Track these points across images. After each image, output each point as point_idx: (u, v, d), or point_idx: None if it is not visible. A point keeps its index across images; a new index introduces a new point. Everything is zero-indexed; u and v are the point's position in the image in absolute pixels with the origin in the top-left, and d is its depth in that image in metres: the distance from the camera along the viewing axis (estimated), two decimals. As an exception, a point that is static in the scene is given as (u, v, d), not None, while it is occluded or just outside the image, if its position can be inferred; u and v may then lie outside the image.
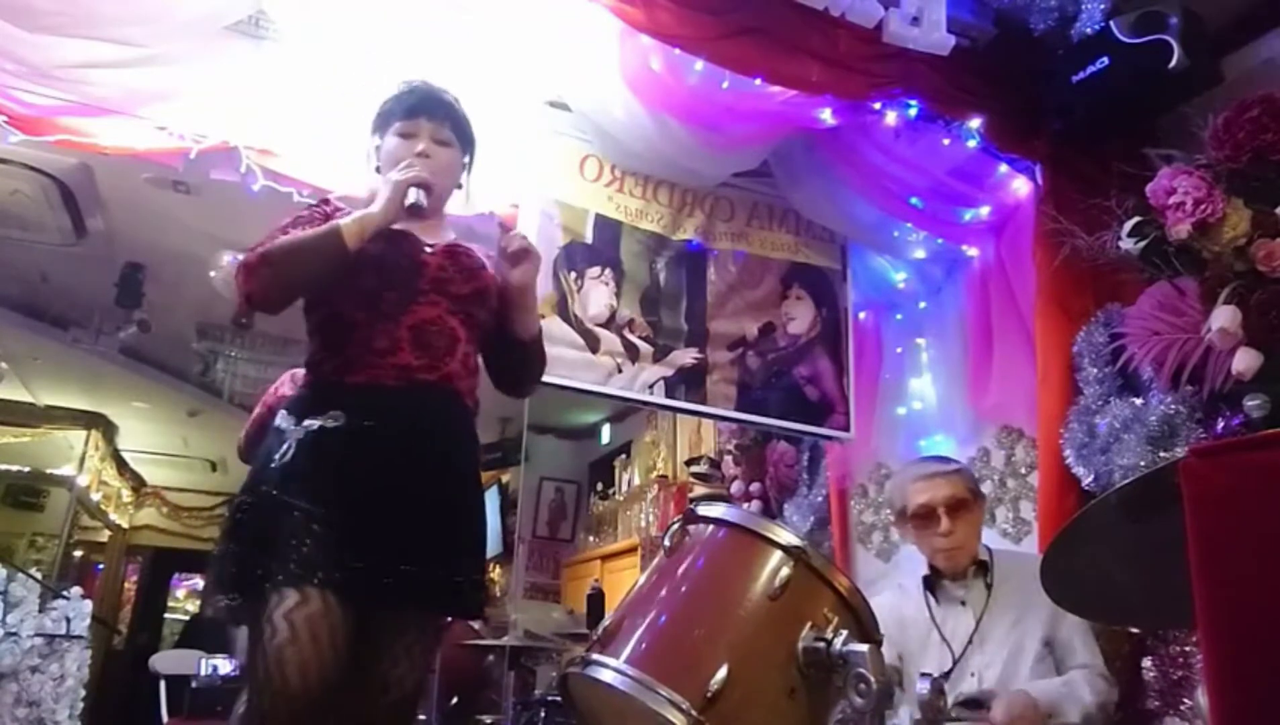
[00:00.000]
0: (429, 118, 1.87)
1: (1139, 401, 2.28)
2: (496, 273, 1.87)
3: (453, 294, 1.77)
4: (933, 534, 2.23)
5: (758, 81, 2.49)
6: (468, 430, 1.80)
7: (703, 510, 1.42)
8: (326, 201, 1.86)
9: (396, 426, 1.66)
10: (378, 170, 1.89)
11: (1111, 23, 2.44)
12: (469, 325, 1.79)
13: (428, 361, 1.71)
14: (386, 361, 1.68)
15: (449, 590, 1.65)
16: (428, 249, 1.79)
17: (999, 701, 1.98)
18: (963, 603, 2.21)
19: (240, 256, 1.74)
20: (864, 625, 1.32)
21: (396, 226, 1.78)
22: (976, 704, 2.09)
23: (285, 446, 1.65)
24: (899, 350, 3.47)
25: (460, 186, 1.98)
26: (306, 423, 1.66)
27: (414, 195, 1.74)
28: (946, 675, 2.10)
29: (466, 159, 1.97)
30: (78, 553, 8.64)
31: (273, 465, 1.63)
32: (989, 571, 2.22)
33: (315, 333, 1.77)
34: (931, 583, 2.28)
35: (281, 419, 1.71)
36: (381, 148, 1.88)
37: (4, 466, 7.98)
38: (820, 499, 3.68)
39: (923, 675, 2.11)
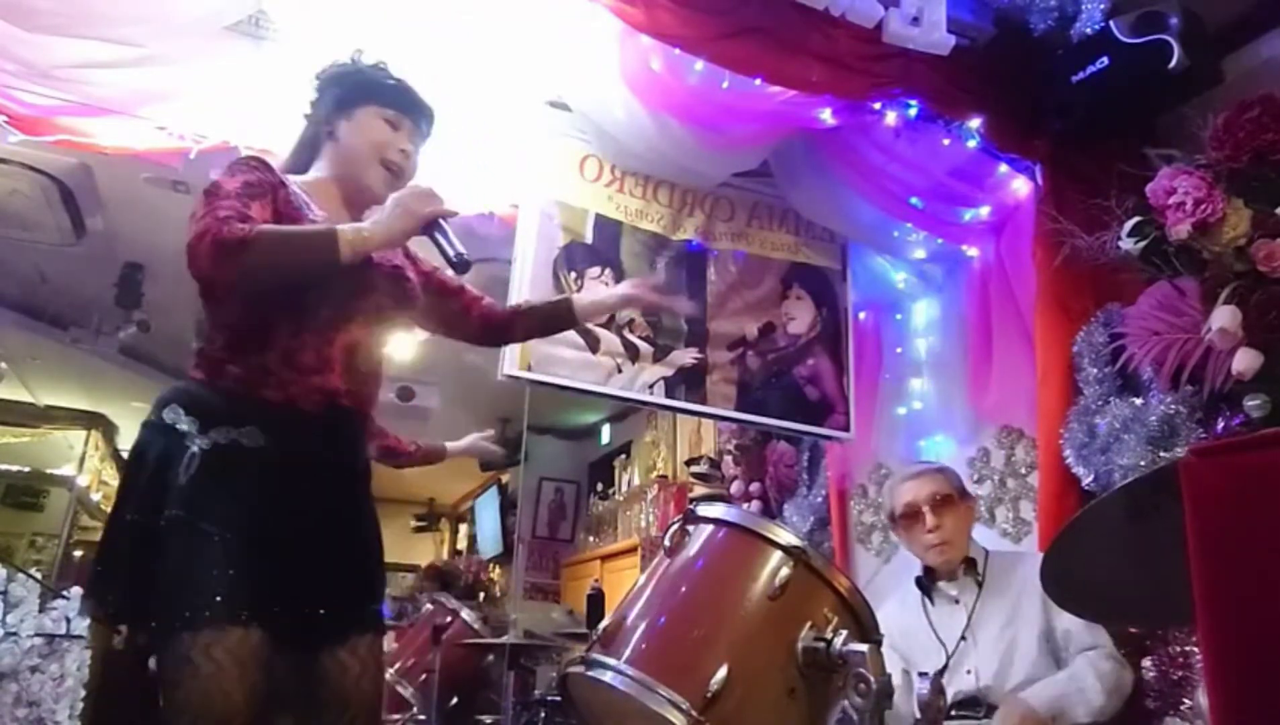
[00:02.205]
0: (415, 120, 1.76)
1: (1139, 401, 2.28)
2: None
3: (382, 308, 1.67)
4: (921, 532, 2.25)
5: (758, 81, 2.49)
6: (365, 441, 1.69)
7: (703, 510, 1.42)
8: (265, 157, 1.67)
9: (315, 454, 1.55)
10: (330, 134, 1.73)
11: (1111, 23, 2.44)
12: (381, 332, 1.69)
13: (353, 387, 1.60)
14: (311, 381, 1.54)
15: (358, 617, 1.58)
16: (374, 263, 1.64)
17: (998, 714, 1.96)
18: (956, 601, 2.23)
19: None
20: (864, 625, 1.32)
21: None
22: (975, 703, 2.09)
23: (188, 457, 1.46)
24: (899, 350, 3.47)
25: None
26: (214, 434, 1.48)
27: (454, 245, 1.58)
28: (941, 673, 2.10)
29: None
30: (78, 553, 8.62)
31: (178, 481, 1.45)
32: (979, 569, 2.23)
33: (225, 325, 1.56)
34: (926, 585, 2.29)
35: (174, 415, 1.50)
36: (354, 119, 1.71)
37: (4, 466, 7.98)
38: (820, 499, 3.68)
39: (921, 675, 2.12)
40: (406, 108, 1.75)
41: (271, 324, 1.54)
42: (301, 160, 1.78)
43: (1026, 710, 1.94)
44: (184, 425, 1.49)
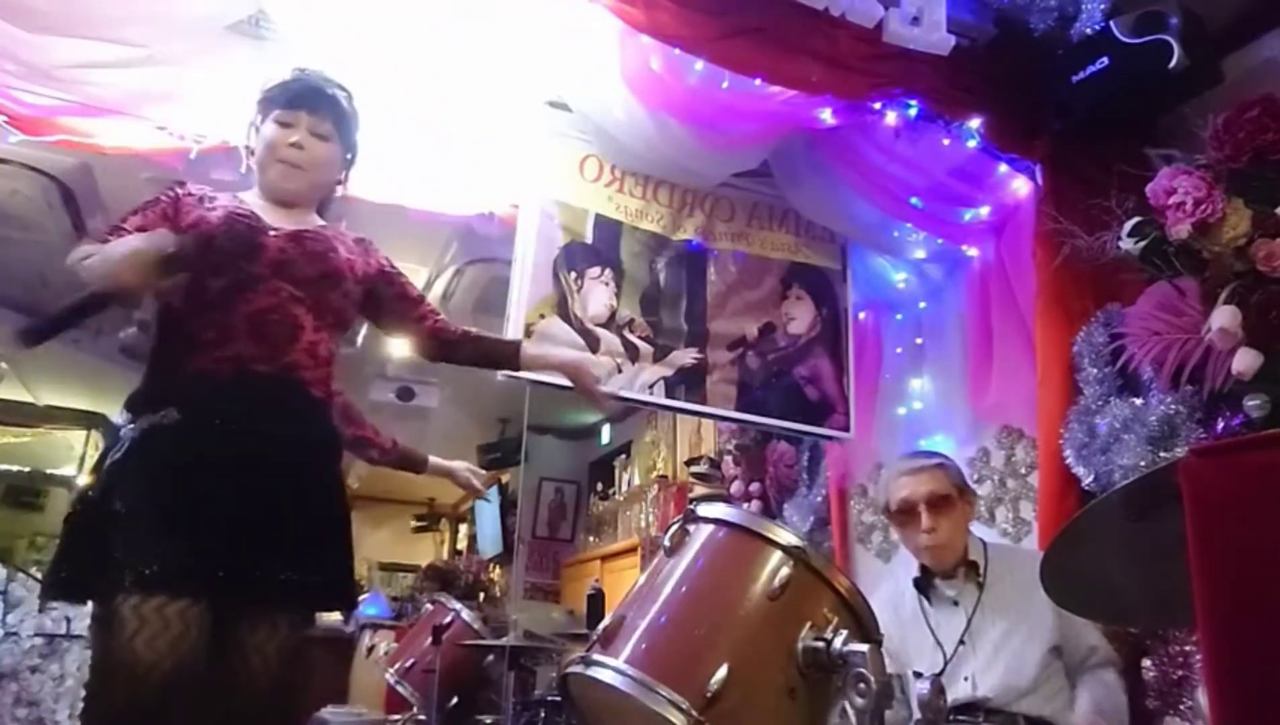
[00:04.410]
0: (310, 111, 1.83)
1: (1139, 401, 2.28)
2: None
3: (297, 278, 1.72)
4: (915, 531, 2.20)
5: (758, 81, 2.49)
6: (315, 422, 1.74)
7: (703, 510, 1.42)
8: (181, 185, 1.80)
9: (230, 421, 1.60)
10: (250, 151, 1.88)
11: (1111, 23, 2.44)
12: (318, 312, 1.74)
13: (265, 352, 1.65)
14: (217, 353, 1.63)
15: (292, 587, 1.60)
16: (271, 232, 1.74)
17: None
18: (955, 603, 2.19)
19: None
20: (864, 625, 1.32)
21: (240, 209, 1.75)
22: (972, 709, 2.06)
23: (119, 445, 1.60)
24: (899, 350, 3.47)
25: (341, 183, 1.96)
26: (140, 421, 1.60)
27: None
28: (937, 677, 2.08)
29: (349, 156, 1.95)
30: (78, 553, 8.62)
31: (105, 467, 1.59)
32: (980, 570, 2.19)
33: (154, 322, 1.73)
34: (923, 583, 2.25)
35: (119, 415, 1.66)
36: (260, 132, 1.85)
37: (4, 466, 7.98)
38: (820, 499, 3.68)
39: (915, 674, 2.11)
40: (297, 103, 1.83)
41: (182, 311, 1.66)
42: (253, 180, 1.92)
43: None
44: (120, 420, 1.64)
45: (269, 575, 1.57)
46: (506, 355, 2.09)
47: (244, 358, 1.64)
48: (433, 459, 3.13)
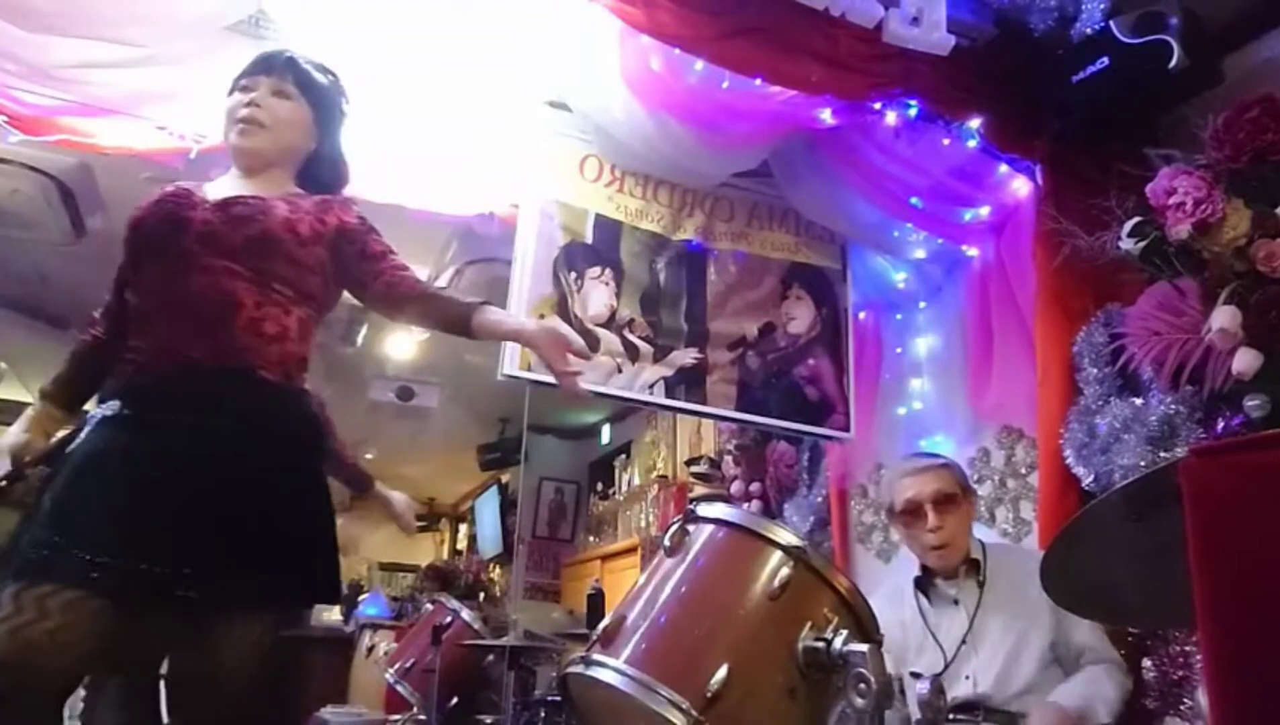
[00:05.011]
0: (268, 73, 1.82)
1: (1139, 401, 2.28)
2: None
3: (226, 248, 1.62)
4: (921, 530, 2.20)
5: (758, 81, 2.49)
6: (269, 407, 1.62)
7: (703, 510, 1.42)
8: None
9: (166, 412, 1.54)
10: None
11: (1111, 23, 2.44)
12: (261, 284, 1.63)
13: (202, 335, 1.58)
14: (158, 341, 1.60)
15: (262, 584, 1.54)
16: (205, 205, 1.68)
17: (1032, 718, 1.93)
18: (955, 602, 2.19)
19: None
20: (864, 625, 1.32)
21: (173, 189, 1.73)
22: (971, 707, 2.07)
23: (73, 436, 1.61)
24: (899, 350, 3.47)
25: (320, 145, 1.90)
26: (96, 412, 1.60)
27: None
28: (938, 677, 2.08)
29: (321, 116, 1.88)
30: (77, 553, 8.60)
31: (55, 457, 1.60)
32: (981, 569, 2.20)
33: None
34: (923, 583, 2.25)
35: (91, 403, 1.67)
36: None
37: (4, 466, 7.97)
38: (820, 499, 3.68)
39: (913, 674, 2.12)
40: (255, 70, 1.84)
41: (133, 305, 1.68)
42: None
43: (1061, 713, 1.92)
44: (89, 408, 1.64)
45: (213, 573, 1.48)
46: (458, 316, 1.75)
47: (182, 344, 1.58)
48: (379, 486, 3.17)
